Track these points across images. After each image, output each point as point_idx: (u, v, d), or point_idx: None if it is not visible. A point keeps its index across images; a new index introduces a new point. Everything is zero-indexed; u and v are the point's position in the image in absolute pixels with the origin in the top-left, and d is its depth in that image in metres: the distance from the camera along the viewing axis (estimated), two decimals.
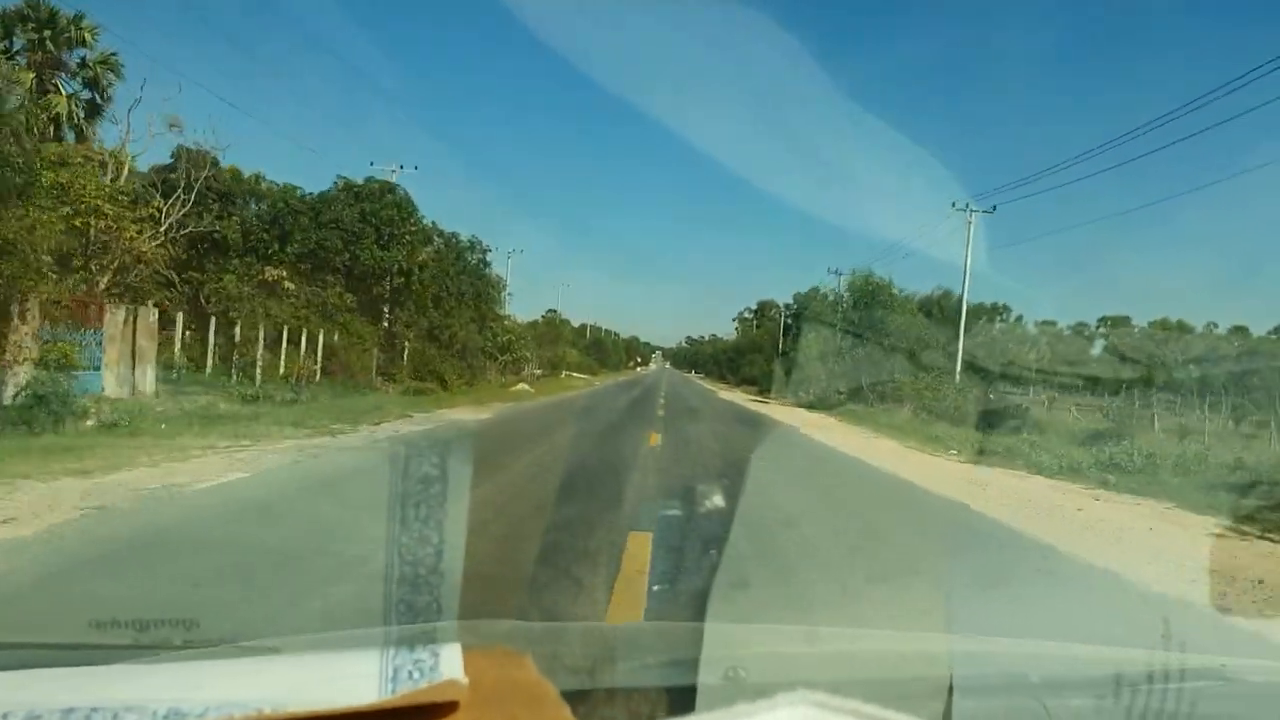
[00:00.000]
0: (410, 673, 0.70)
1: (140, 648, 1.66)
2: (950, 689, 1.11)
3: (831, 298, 47.03)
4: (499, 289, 42.50)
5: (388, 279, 29.11)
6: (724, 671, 1.14)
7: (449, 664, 0.72)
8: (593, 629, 2.66)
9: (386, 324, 29.96)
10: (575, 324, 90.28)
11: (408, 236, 28.90)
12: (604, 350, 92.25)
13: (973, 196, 32.54)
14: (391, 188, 30.08)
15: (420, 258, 30.14)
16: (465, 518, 4.14)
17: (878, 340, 35.26)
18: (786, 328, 59.62)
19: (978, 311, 40.93)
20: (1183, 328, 51.29)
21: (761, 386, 50.81)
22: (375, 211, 28.15)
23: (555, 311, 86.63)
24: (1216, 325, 54.01)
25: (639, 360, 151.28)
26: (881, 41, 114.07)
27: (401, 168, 34.28)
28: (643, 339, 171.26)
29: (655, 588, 5.08)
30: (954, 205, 32.56)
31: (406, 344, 30.46)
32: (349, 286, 27.29)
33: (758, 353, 60.73)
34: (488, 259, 39.22)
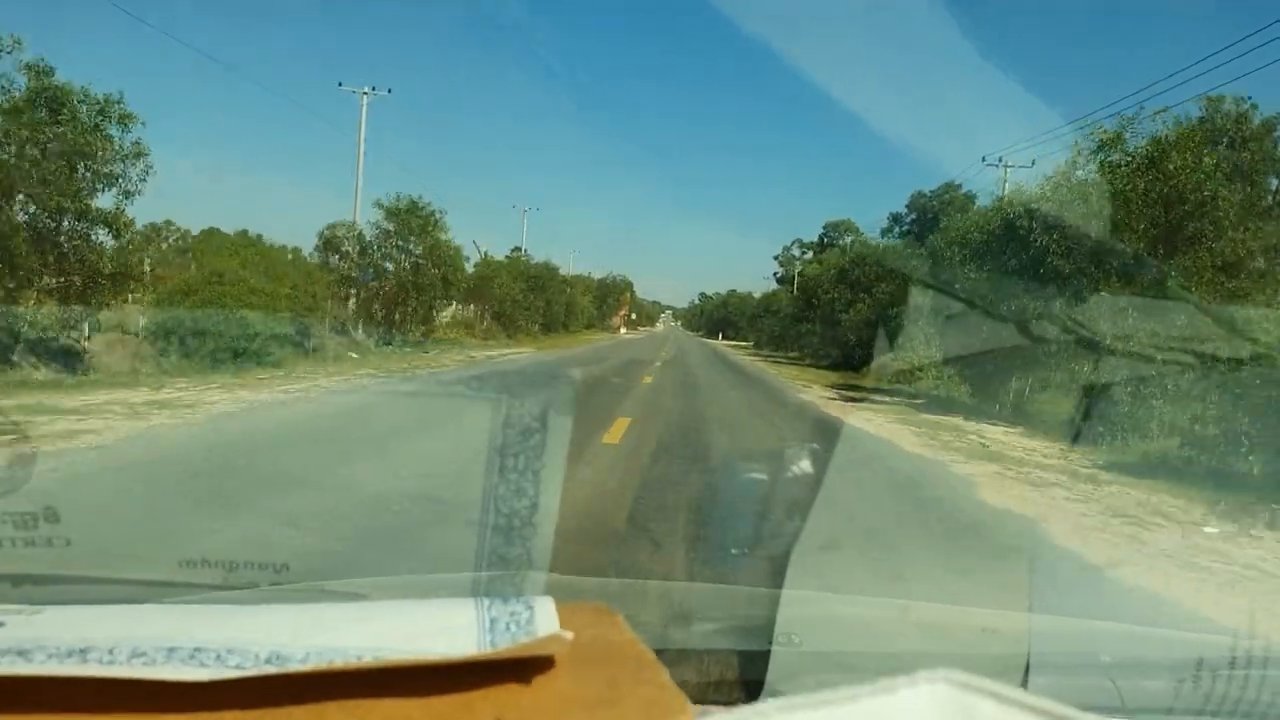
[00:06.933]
0: (507, 625, 0.68)
1: (228, 588, 1.64)
2: (1027, 666, 1.12)
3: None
4: None
5: None
6: (796, 639, 1.13)
7: (544, 617, 0.70)
8: (669, 589, 2.56)
9: None
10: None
11: None
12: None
13: None
14: None
15: None
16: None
17: None
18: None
19: None
20: None
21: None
22: None
23: (520, 249, 53.09)
24: None
25: (628, 318, 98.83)
26: None
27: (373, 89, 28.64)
28: (649, 299, 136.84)
29: None
30: None
31: None
32: None
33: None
34: None
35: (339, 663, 0.61)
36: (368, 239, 25.84)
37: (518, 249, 55.24)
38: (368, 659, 0.61)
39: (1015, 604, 2.44)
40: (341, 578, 1.79)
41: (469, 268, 42.51)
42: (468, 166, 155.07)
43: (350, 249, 25.78)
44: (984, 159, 38.61)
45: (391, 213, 25.37)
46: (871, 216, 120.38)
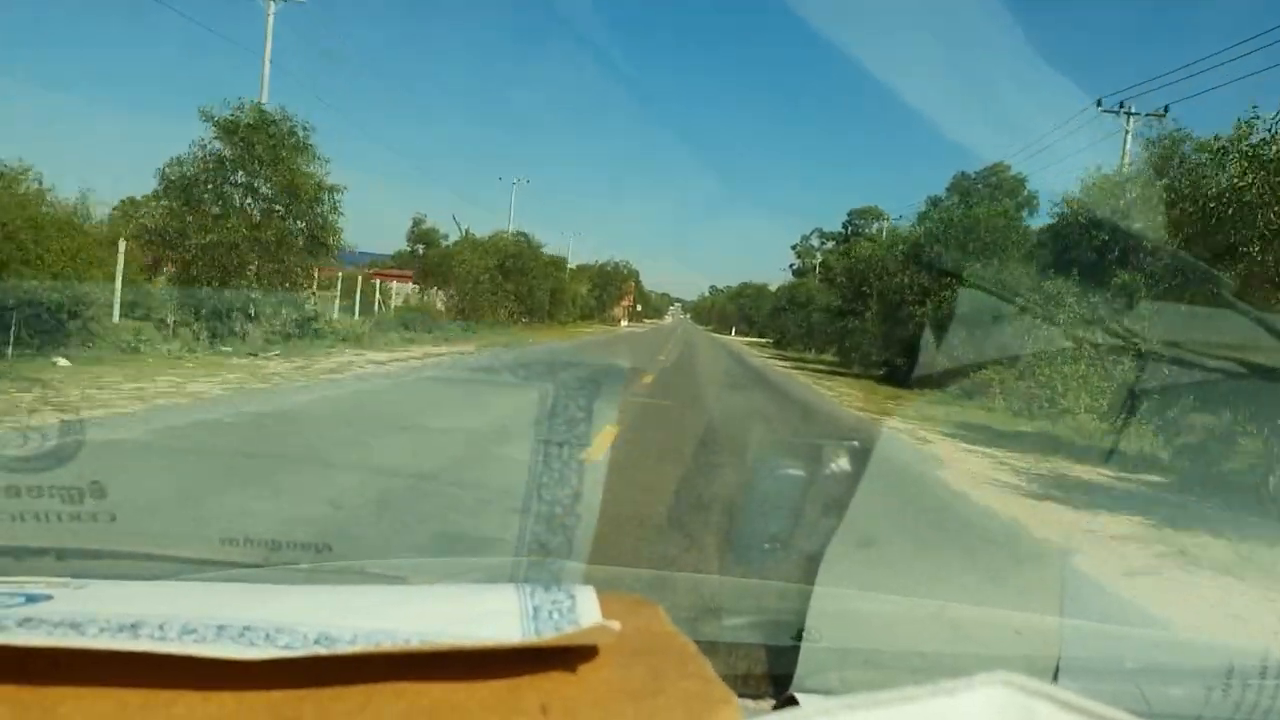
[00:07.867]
0: (550, 613, 0.68)
1: (270, 566, 1.64)
2: (1056, 670, 1.11)
3: None
4: None
5: None
6: (818, 634, 1.13)
7: (585, 606, 0.69)
8: (700, 581, 2.42)
9: None
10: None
11: None
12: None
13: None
14: None
15: None
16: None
17: None
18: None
19: None
20: None
21: None
22: None
23: (525, 235, 43.37)
24: None
25: (632, 309, 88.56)
26: None
27: None
28: (658, 290, 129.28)
29: None
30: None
31: None
32: None
33: None
34: None
35: (387, 645, 0.61)
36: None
37: (521, 233, 46.04)
38: (415, 642, 0.61)
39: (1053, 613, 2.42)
40: None
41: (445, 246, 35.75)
42: (468, 152, 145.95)
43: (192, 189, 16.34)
44: (1099, 103, 29.28)
45: (227, 129, 15.82)
46: (892, 206, 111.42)
